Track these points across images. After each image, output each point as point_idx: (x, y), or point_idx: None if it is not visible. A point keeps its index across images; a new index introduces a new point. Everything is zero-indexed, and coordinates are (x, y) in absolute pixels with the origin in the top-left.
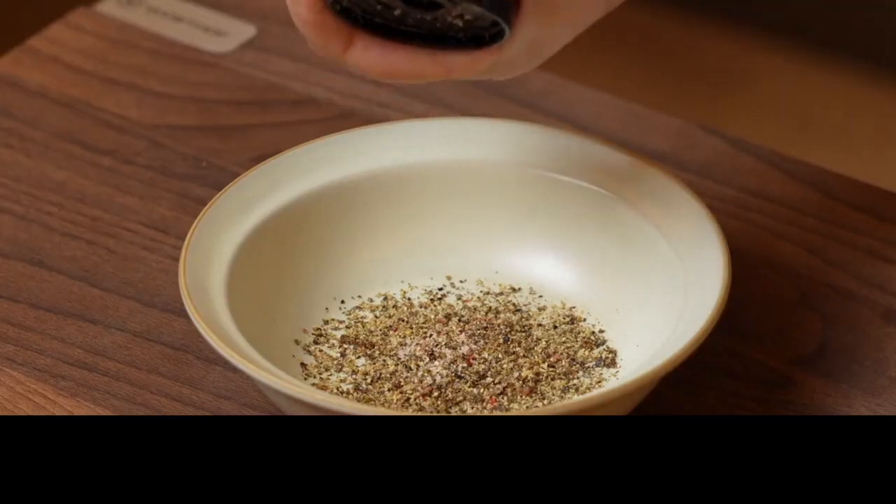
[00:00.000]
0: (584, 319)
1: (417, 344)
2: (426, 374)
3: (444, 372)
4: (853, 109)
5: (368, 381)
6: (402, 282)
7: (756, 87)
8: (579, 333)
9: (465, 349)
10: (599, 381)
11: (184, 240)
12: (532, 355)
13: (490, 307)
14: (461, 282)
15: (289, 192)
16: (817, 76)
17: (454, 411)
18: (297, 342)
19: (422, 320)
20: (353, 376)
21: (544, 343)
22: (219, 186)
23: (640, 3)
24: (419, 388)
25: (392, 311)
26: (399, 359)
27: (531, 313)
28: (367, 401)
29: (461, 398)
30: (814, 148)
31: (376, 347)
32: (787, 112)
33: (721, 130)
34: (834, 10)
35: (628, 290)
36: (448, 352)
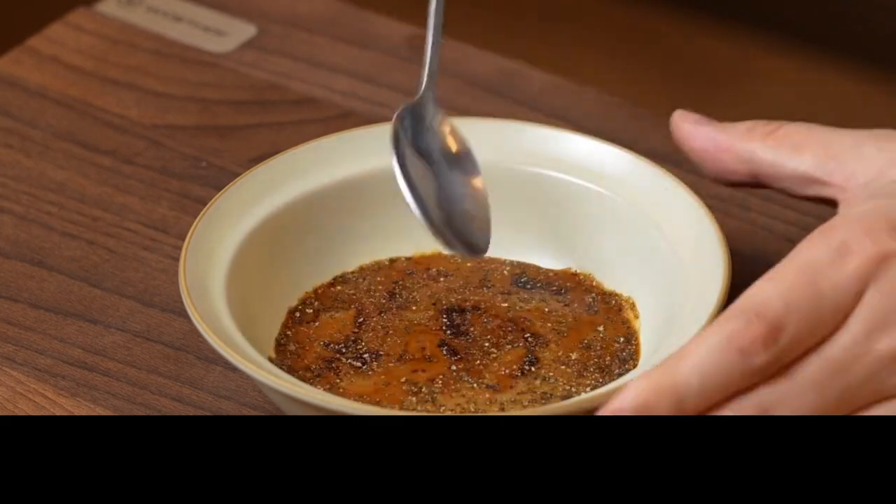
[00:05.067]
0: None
1: (417, 341)
2: (428, 357)
3: (443, 362)
4: (853, 109)
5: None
6: None
7: (756, 87)
8: None
9: (465, 344)
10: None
11: (184, 240)
12: (503, 362)
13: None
14: None
15: (289, 192)
16: (817, 76)
17: (449, 402)
18: None
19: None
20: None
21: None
22: (219, 186)
23: (641, 3)
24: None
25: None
26: (399, 353)
27: None
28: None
29: (460, 378)
30: None
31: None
32: (786, 112)
33: None
34: (834, 10)
35: (627, 290)
36: (446, 344)
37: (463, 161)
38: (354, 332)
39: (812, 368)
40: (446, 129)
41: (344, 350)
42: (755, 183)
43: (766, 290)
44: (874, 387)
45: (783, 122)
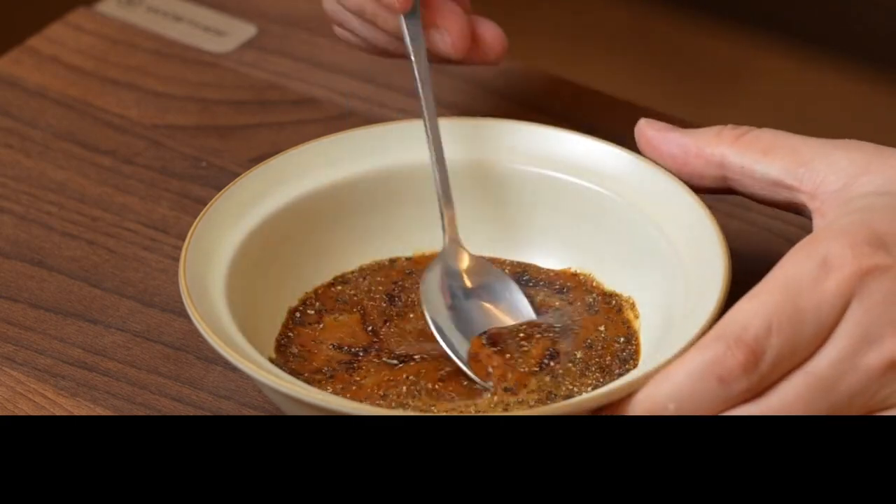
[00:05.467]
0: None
1: (416, 339)
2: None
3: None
4: (852, 108)
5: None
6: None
7: (755, 87)
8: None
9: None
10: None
11: (184, 240)
12: (530, 356)
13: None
14: None
15: (289, 192)
16: (817, 75)
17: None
18: None
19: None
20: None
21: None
22: (219, 186)
23: (641, 2)
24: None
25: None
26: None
27: None
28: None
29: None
30: None
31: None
32: (786, 111)
33: None
34: (834, 10)
35: (627, 290)
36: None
37: (493, 286)
38: (371, 335)
39: (799, 385)
40: (469, 265)
41: (362, 354)
42: (724, 188)
43: (748, 312)
44: (863, 401)
45: (751, 127)
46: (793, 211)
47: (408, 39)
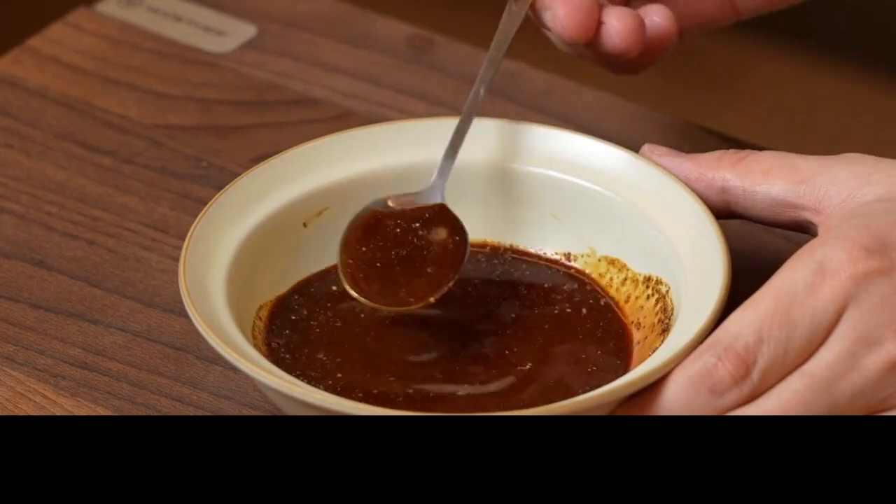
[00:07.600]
0: None
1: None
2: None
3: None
4: (853, 109)
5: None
6: None
7: (756, 87)
8: None
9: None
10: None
11: (184, 240)
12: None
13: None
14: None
15: (289, 192)
16: (817, 76)
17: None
18: None
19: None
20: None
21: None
22: (219, 186)
23: None
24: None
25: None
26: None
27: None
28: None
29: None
30: (813, 148)
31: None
32: (787, 112)
33: (721, 130)
34: (834, 10)
35: (627, 290)
36: (447, 337)
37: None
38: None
39: (795, 386)
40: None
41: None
42: (727, 213)
43: (740, 321)
44: (864, 402)
45: (751, 150)
46: (799, 230)
47: (504, 20)
